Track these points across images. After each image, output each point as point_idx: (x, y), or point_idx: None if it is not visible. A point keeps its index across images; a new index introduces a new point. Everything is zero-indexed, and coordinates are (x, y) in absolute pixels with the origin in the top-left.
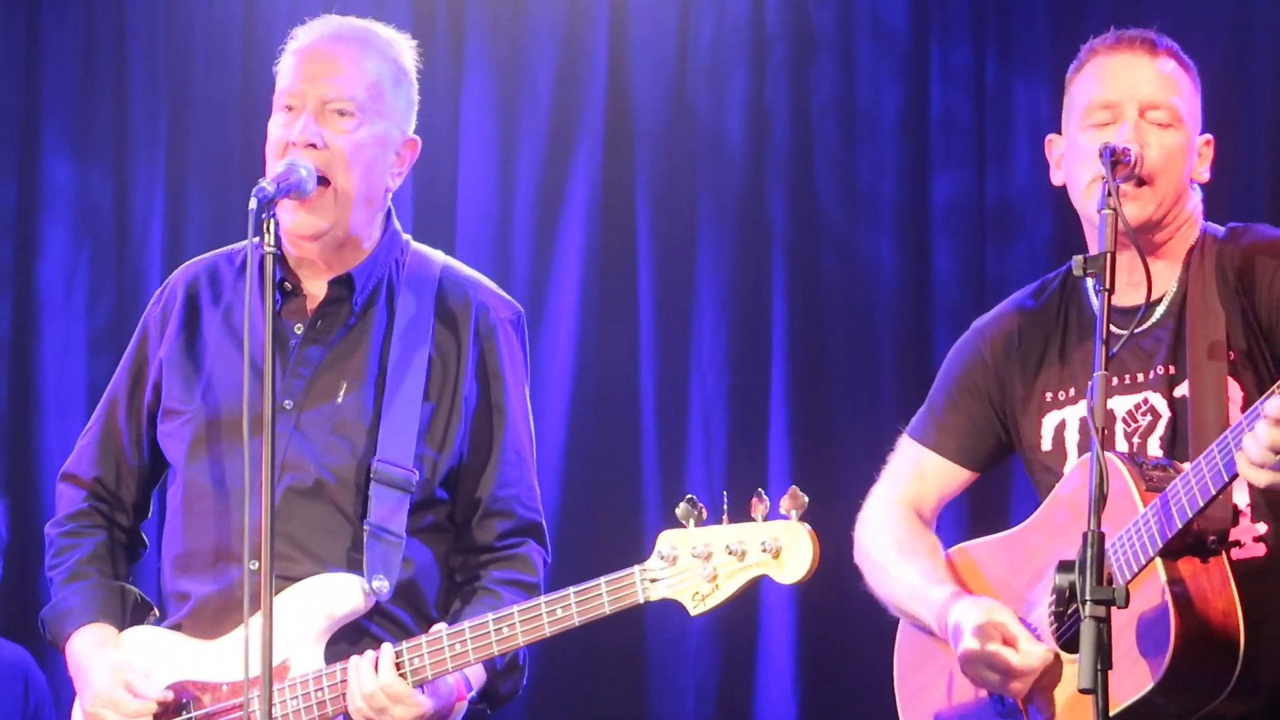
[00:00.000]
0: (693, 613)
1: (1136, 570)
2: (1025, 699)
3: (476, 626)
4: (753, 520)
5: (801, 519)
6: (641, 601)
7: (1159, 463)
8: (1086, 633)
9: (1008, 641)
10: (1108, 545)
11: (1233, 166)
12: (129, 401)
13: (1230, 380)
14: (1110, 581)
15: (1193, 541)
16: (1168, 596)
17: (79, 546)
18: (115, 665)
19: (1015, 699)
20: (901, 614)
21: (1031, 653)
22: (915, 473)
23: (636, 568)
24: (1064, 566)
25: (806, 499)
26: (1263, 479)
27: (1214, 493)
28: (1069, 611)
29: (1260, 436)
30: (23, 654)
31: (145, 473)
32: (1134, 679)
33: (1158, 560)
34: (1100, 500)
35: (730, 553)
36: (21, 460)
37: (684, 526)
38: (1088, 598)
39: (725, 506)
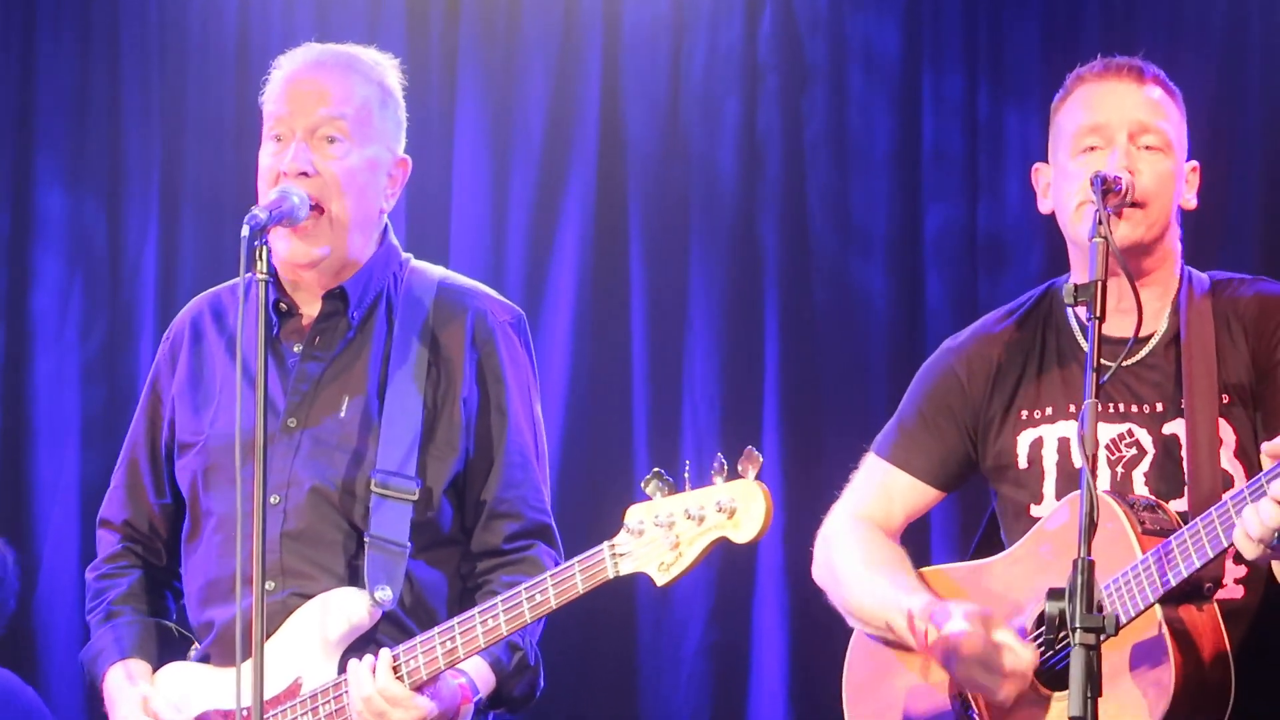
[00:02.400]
0: (659, 583)
1: (1134, 615)
2: None
3: (463, 621)
4: (712, 485)
5: (758, 478)
6: (611, 576)
7: (1148, 503)
8: (1076, 660)
9: (1002, 643)
10: (1104, 585)
11: (1225, 194)
12: (148, 443)
13: (1222, 422)
14: (1101, 609)
15: (1189, 588)
16: (1168, 641)
17: (114, 586)
18: (142, 697)
19: (1005, 701)
20: (866, 625)
21: (1025, 655)
22: (882, 490)
23: (605, 544)
24: (1054, 594)
25: (761, 458)
26: (1255, 553)
27: (1214, 555)
28: (1058, 640)
29: (1264, 514)
30: (8, 676)
31: (171, 511)
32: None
33: (1156, 605)
34: (1090, 528)
35: (690, 518)
36: (14, 490)
37: (651, 500)
38: (1078, 625)
39: (686, 474)
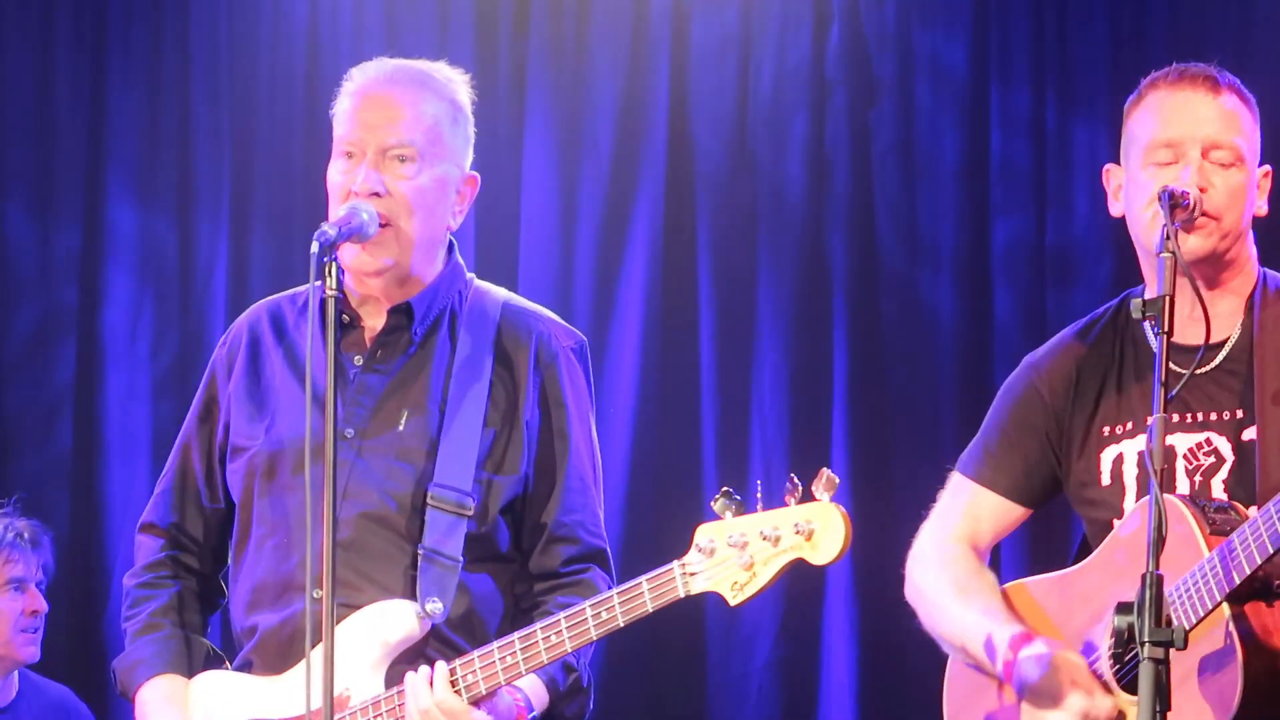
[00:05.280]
0: (732, 603)
1: (1202, 615)
2: None
3: (525, 637)
4: (786, 506)
5: (834, 500)
6: (682, 595)
7: (1221, 505)
8: (1145, 674)
9: (1079, 685)
10: (1171, 588)
11: None
12: (200, 444)
13: None
14: (1170, 623)
15: (1259, 586)
16: (1234, 640)
17: (155, 598)
18: None
19: None
20: (957, 652)
21: (1101, 704)
22: (969, 510)
23: (675, 563)
24: (1123, 608)
25: (838, 480)
26: None
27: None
28: (1127, 653)
29: None
30: (65, 693)
31: (222, 516)
32: None
33: (1224, 604)
34: (1159, 542)
35: (765, 539)
36: (86, 506)
37: (721, 519)
38: (1146, 639)
39: (759, 494)
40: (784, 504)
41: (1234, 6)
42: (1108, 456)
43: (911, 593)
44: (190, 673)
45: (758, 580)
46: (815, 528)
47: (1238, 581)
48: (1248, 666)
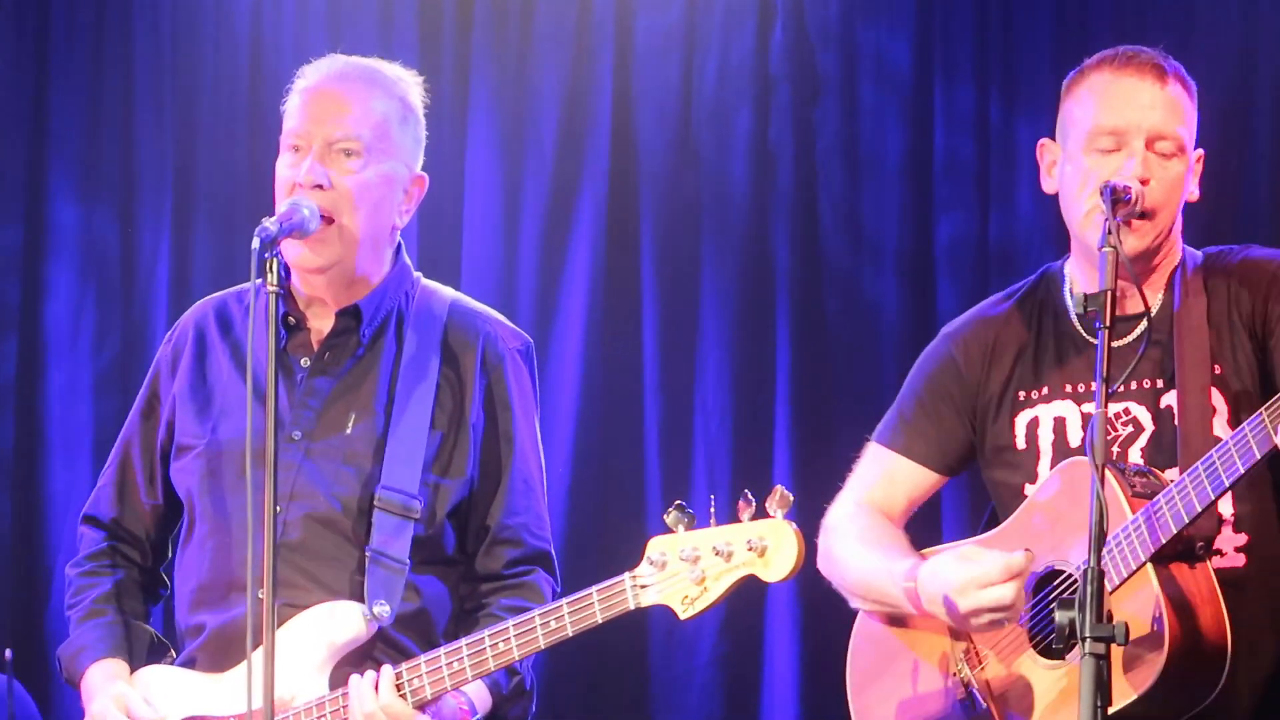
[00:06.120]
0: (682, 616)
1: (1126, 575)
2: (1000, 707)
3: (473, 643)
4: (739, 521)
5: (787, 517)
6: (632, 608)
7: (1140, 469)
8: (1086, 670)
9: (993, 576)
10: None
11: (1236, 188)
12: (142, 441)
13: (1214, 391)
14: (1111, 618)
15: (1181, 548)
16: (1161, 603)
17: (97, 585)
18: (117, 694)
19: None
20: (864, 599)
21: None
22: (884, 477)
23: (627, 574)
24: (1064, 604)
25: (792, 497)
26: None
27: (1202, 508)
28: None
29: None
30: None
31: (162, 512)
32: (1125, 684)
33: (1149, 565)
34: (1100, 537)
35: (717, 554)
36: (28, 502)
37: (673, 532)
38: (1088, 635)
39: (712, 510)
40: (737, 519)
41: (1179, 6)
42: (1022, 420)
43: (822, 560)
44: (133, 658)
45: (709, 595)
46: (768, 544)
47: (1163, 541)
48: (1175, 629)
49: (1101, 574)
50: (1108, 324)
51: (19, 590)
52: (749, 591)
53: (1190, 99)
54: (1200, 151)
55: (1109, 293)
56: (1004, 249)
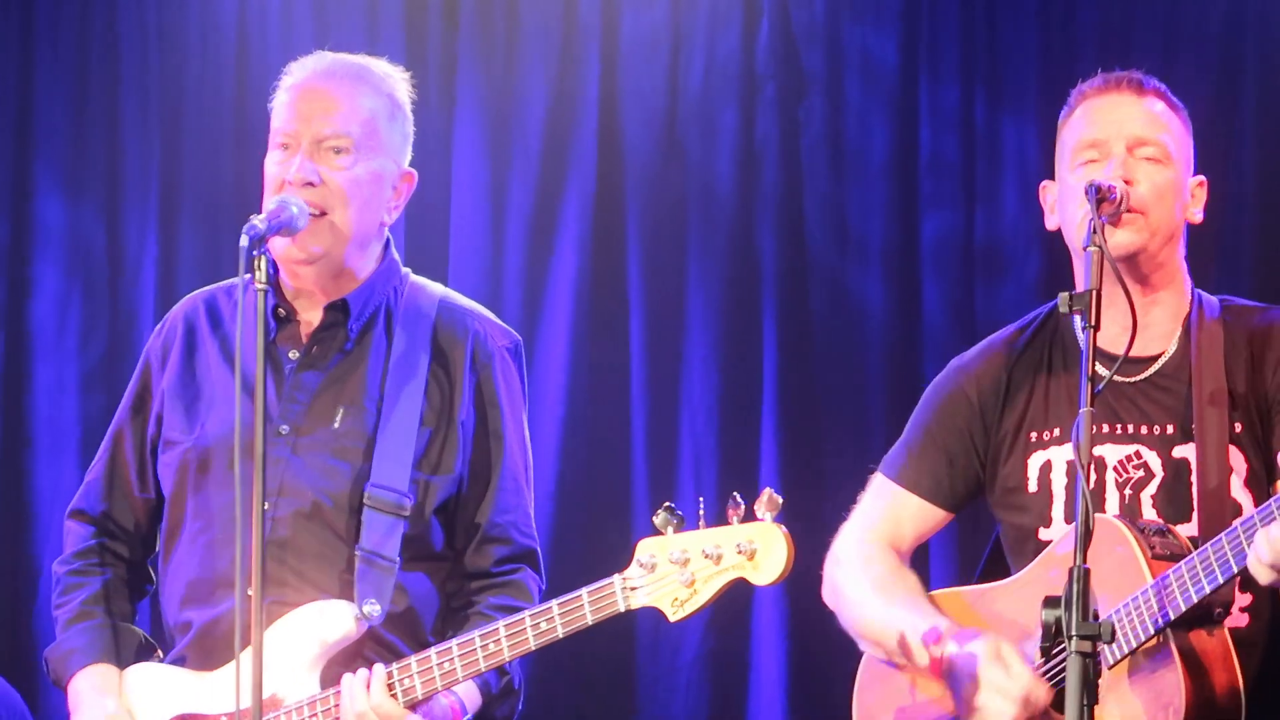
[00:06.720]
0: (672, 619)
1: (1143, 640)
2: None
3: (464, 644)
4: (729, 524)
5: (776, 520)
6: (622, 610)
7: (1158, 528)
8: (1073, 668)
9: (1013, 671)
10: (1112, 610)
11: (1220, 209)
12: (133, 434)
13: (1233, 450)
14: (1097, 616)
15: (1199, 612)
16: (1179, 667)
17: (85, 586)
18: (108, 714)
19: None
20: (876, 649)
21: (1041, 690)
22: (890, 512)
23: (617, 576)
24: (1050, 602)
25: (781, 500)
26: (1268, 578)
27: (1223, 581)
28: (1057, 659)
29: (1275, 538)
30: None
31: (151, 505)
32: None
33: (1167, 629)
34: (1086, 535)
35: (707, 557)
36: (13, 499)
37: (662, 534)
38: (1074, 633)
39: (701, 512)
40: (727, 522)
41: (1160, 6)
42: (1035, 462)
43: (829, 593)
44: (121, 662)
45: (699, 598)
46: (757, 548)
47: (1172, 618)
48: (1191, 694)
49: (1086, 572)
50: (1093, 324)
51: (5, 588)
52: (736, 590)
53: (1176, 115)
54: (1201, 178)
55: (1094, 291)
56: (989, 247)
